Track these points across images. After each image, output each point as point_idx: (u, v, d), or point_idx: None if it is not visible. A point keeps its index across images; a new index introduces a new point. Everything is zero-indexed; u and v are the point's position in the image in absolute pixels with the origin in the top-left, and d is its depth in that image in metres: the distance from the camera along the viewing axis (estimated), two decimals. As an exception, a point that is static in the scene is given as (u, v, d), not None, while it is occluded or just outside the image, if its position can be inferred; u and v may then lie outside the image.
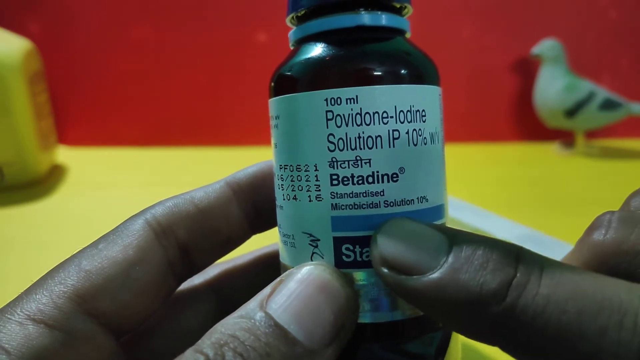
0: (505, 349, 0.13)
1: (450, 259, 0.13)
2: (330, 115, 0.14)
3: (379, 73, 0.14)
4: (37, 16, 0.81)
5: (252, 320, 0.13)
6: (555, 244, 0.40)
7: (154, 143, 0.82)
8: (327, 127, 0.14)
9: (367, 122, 0.14)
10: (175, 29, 0.82)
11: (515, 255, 0.13)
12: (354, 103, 0.14)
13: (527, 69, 0.84)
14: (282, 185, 0.15)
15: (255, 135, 0.84)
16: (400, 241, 0.13)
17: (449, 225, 0.16)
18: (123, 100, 0.85)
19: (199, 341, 0.12)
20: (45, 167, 0.70)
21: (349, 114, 0.14)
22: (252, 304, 0.13)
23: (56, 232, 0.55)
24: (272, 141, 0.16)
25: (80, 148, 0.85)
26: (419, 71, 0.15)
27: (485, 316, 0.12)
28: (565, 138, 0.82)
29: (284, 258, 0.16)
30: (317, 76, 0.14)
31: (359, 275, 0.14)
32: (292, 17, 0.16)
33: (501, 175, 0.69)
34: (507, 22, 0.82)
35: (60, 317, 0.13)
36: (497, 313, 0.12)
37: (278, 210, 0.16)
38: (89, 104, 0.85)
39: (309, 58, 0.15)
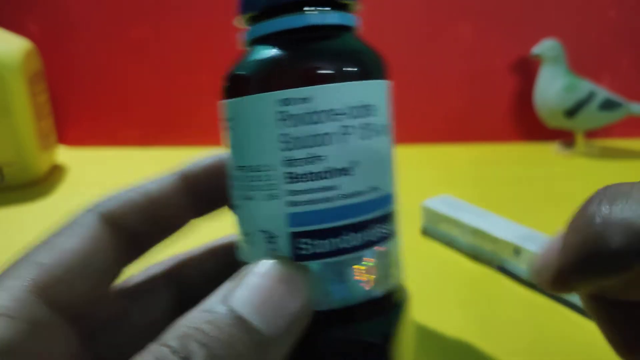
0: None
1: (563, 239, 0.15)
2: (282, 116, 0.14)
3: (328, 72, 0.14)
4: (37, 16, 0.81)
5: (216, 314, 0.13)
6: (556, 244, 0.40)
7: (154, 143, 0.82)
8: (280, 128, 0.14)
9: (319, 121, 0.14)
10: (174, 29, 0.82)
11: (603, 189, 0.14)
12: (305, 103, 0.14)
13: (527, 69, 0.84)
14: (238, 185, 0.16)
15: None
16: (540, 255, 0.16)
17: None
18: (123, 100, 0.85)
19: (163, 335, 0.13)
20: (45, 167, 0.70)
21: (301, 114, 0.14)
22: (215, 298, 0.13)
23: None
24: (226, 143, 0.16)
25: (80, 148, 0.85)
26: (367, 67, 0.15)
27: (592, 237, 0.13)
28: (565, 138, 0.82)
29: (243, 254, 0.16)
30: (267, 78, 0.15)
31: (315, 266, 0.15)
32: (243, 19, 0.16)
33: (501, 175, 0.69)
34: (507, 22, 0.82)
35: (21, 309, 0.14)
36: (600, 223, 0.13)
37: (235, 210, 0.16)
38: (88, 104, 0.86)
39: (259, 60, 0.15)
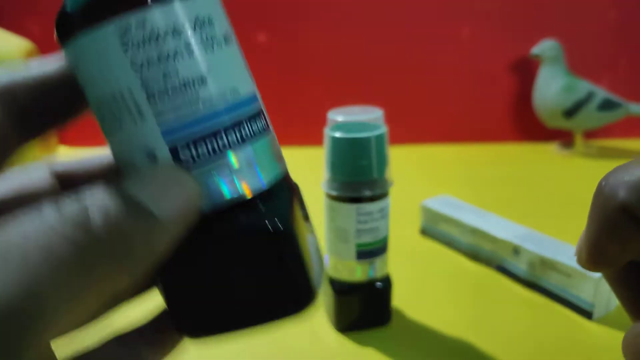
0: None
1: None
2: (126, 47, 0.15)
3: None
4: (37, 17, 0.82)
5: (105, 188, 0.13)
6: (554, 243, 0.41)
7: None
8: (127, 56, 0.15)
9: (162, 41, 0.15)
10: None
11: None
12: (143, 28, 0.15)
13: (526, 69, 0.84)
14: (104, 120, 0.16)
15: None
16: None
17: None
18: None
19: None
20: (47, 167, 0.71)
21: (143, 39, 0.15)
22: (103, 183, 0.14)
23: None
24: (80, 83, 0.16)
25: (81, 148, 0.86)
26: None
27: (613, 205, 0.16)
28: (564, 138, 0.83)
29: None
30: (101, 8, 0.14)
31: (196, 171, 0.15)
32: None
33: (500, 175, 0.70)
34: (507, 22, 0.83)
35: None
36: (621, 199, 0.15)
37: (109, 145, 0.16)
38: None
39: None
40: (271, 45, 0.83)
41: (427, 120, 0.86)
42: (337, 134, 0.30)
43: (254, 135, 0.16)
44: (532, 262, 0.40)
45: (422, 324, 0.36)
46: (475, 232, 0.45)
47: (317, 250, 0.18)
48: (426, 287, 0.41)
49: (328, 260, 0.34)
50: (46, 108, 0.17)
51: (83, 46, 0.15)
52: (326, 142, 0.32)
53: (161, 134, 0.15)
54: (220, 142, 0.16)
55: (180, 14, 0.15)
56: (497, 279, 0.42)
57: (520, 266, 0.41)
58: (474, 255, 0.45)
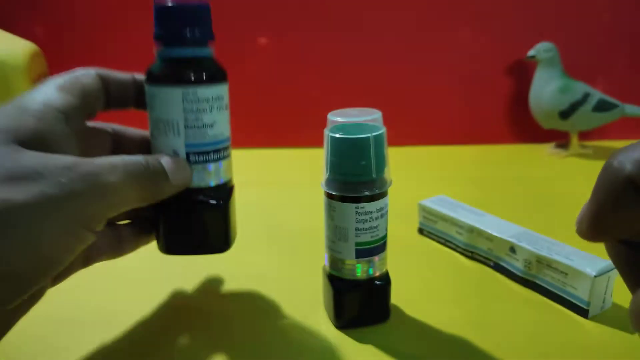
0: None
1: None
2: (183, 100, 0.30)
3: (203, 78, 0.31)
4: (42, 19, 0.82)
5: (163, 157, 0.30)
6: (550, 242, 0.41)
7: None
8: (182, 104, 0.30)
9: (200, 103, 0.30)
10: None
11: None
12: (195, 94, 0.30)
13: (522, 71, 0.85)
14: (157, 129, 0.31)
15: (254, 136, 0.85)
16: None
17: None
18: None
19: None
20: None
21: (192, 99, 0.30)
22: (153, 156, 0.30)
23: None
24: (148, 105, 0.32)
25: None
26: (221, 77, 0.32)
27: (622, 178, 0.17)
28: (560, 139, 0.84)
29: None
30: (175, 78, 0.30)
31: (196, 165, 0.32)
32: (159, 42, 0.32)
33: (497, 175, 0.70)
34: (503, 25, 0.83)
35: (77, 96, 0.30)
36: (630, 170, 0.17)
37: (153, 140, 0.32)
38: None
39: (170, 68, 0.31)
40: (271, 48, 0.83)
41: (425, 121, 0.87)
42: (337, 135, 0.31)
43: (223, 158, 0.32)
44: (528, 261, 0.41)
45: (420, 321, 0.36)
46: (472, 230, 0.45)
47: (235, 225, 0.35)
48: (424, 285, 0.42)
49: (327, 259, 0.35)
50: (119, 95, 0.33)
51: (160, 91, 0.30)
52: (326, 142, 0.32)
53: (184, 145, 0.31)
54: (207, 157, 0.31)
55: (211, 92, 0.31)
56: (493, 277, 0.43)
57: (516, 265, 0.42)
58: (471, 254, 0.46)
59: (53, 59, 0.77)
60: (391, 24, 0.82)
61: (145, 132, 0.35)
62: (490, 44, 0.84)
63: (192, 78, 0.30)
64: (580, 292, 0.37)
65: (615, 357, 0.33)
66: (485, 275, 0.43)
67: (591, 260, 0.38)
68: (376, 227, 0.33)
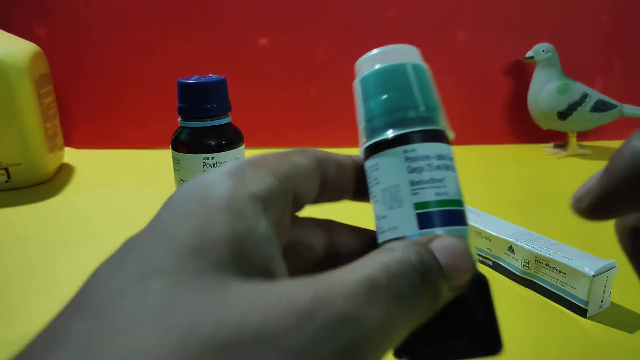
0: None
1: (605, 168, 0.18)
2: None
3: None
4: (44, 20, 0.82)
5: (424, 247, 0.19)
6: (548, 242, 0.42)
7: (157, 145, 0.83)
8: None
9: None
10: (178, 33, 0.83)
11: None
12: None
13: (521, 72, 0.85)
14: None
15: (254, 136, 0.85)
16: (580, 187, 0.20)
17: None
18: (128, 103, 0.86)
19: (386, 247, 0.18)
20: (52, 168, 0.71)
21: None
22: (420, 239, 0.19)
23: (62, 231, 0.56)
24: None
25: (86, 149, 0.86)
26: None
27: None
28: (559, 139, 0.84)
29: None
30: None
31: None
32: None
33: (496, 176, 0.71)
34: (502, 26, 0.84)
35: (284, 179, 0.19)
36: None
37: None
38: (94, 105, 0.87)
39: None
40: (272, 49, 0.84)
41: (425, 121, 0.87)
42: (366, 71, 0.25)
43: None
44: (527, 260, 0.41)
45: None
46: (471, 230, 0.46)
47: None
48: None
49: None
50: (337, 181, 0.23)
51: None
52: (359, 89, 0.25)
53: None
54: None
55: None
56: (492, 276, 0.43)
57: (515, 264, 0.42)
58: (471, 254, 0.46)
59: (54, 60, 0.77)
60: (391, 24, 0.83)
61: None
62: (488, 44, 0.84)
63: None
64: (578, 292, 0.38)
65: (614, 356, 0.34)
66: (484, 274, 0.44)
67: (590, 259, 0.38)
68: (440, 180, 0.22)
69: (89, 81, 0.85)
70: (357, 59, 0.26)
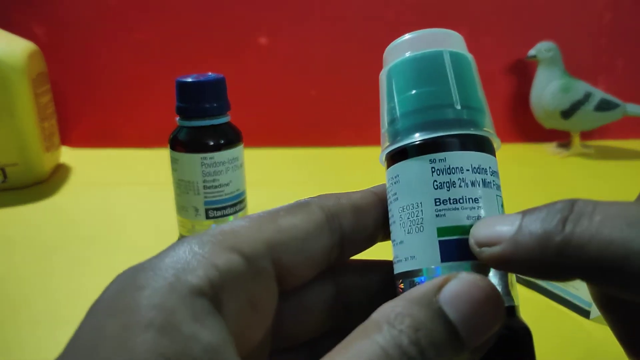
0: (582, 277, 0.15)
1: (522, 222, 0.16)
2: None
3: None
4: (42, 19, 0.82)
5: (426, 311, 0.14)
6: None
7: (155, 144, 0.83)
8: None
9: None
10: (177, 32, 0.83)
11: (571, 203, 0.15)
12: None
13: (523, 71, 0.85)
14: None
15: (253, 136, 0.85)
16: (487, 226, 0.16)
17: None
18: (125, 102, 0.86)
19: (375, 319, 0.15)
20: (48, 168, 0.71)
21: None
22: (425, 297, 0.15)
23: (59, 231, 0.56)
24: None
25: (83, 149, 0.86)
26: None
27: (551, 251, 0.14)
28: (562, 139, 0.83)
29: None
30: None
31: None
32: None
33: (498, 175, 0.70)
34: (504, 24, 0.83)
35: (254, 254, 0.16)
36: (559, 243, 0.14)
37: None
38: (92, 105, 0.86)
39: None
40: (272, 48, 0.83)
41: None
42: (393, 62, 0.20)
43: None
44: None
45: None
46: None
47: None
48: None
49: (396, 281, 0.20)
50: (358, 234, 0.19)
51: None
52: (384, 82, 0.20)
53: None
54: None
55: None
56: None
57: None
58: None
59: (52, 59, 0.77)
60: (391, 24, 0.82)
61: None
62: (491, 43, 0.84)
63: None
64: (581, 293, 0.37)
65: (617, 358, 0.33)
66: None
67: (593, 260, 0.38)
68: (476, 200, 0.18)
69: (86, 80, 0.85)
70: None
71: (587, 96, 0.76)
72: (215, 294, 0.14)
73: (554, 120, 0.78)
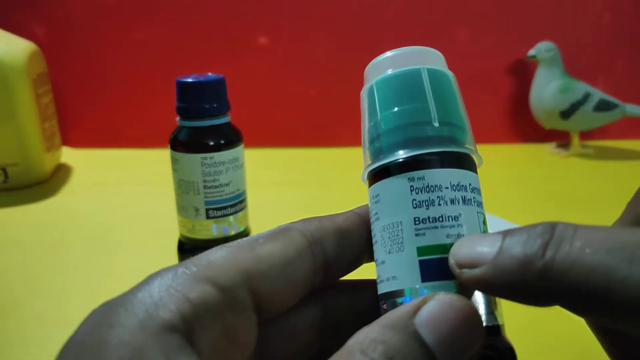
0: (563, 304, 0.15)
1: (503, 244, 0.15)
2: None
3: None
4: (42, 19, 0.82)
5: (400, 334, 0.14)
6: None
7: (156, 145, 0.83)
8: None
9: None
10: (177, 32, 0.83)
11: (551, 226, 0.15)
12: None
13: (523, 71, 0.85)
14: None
15: (253, 136, 0.85)
16: (467, 246, 0.16)
17: None
18: (126, 102, 0.86)
19: (350, 344, 0.14)
20: (49, 168, 0.71)
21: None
22: (400, 318, 0.15)
23: (60, 231, 0.56)
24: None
25: (84, 149, 0.86)
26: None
27: (532, 276, 0.14)
28: (561, 139, 0.83)
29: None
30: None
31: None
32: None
33: (498, 175, 0.70)
34: (504, 25, 0.83)
35: (229, 285, 0.16)
36: (540, 268, 0.14)
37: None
38: (92, 105, 0.86)
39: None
40: (271, 48, 0.83)
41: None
42: (373, 80, 0.20)
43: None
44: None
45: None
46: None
47: None
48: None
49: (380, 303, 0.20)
50: (342, 258, 0.19)
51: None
52: (365, 99, 0.20)
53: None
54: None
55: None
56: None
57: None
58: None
59: (53, 59, 0.77)
60: (391, 24, 0.82)
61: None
62: (490, 43, 0.84)
63: None
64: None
65: (617, 357, 0.33)
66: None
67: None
68: (455, 218, 0.17)
69: (86, 80, 0.85)
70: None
71: (587, 96, 0.76)
72: (188, 328, 0.14)
73: (553, 120, 0.78)
